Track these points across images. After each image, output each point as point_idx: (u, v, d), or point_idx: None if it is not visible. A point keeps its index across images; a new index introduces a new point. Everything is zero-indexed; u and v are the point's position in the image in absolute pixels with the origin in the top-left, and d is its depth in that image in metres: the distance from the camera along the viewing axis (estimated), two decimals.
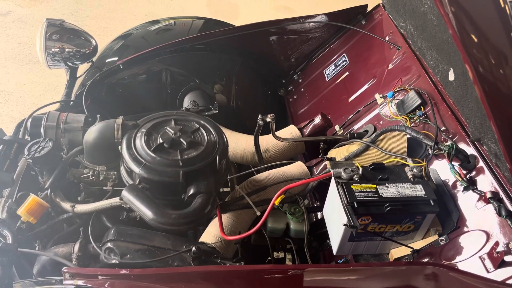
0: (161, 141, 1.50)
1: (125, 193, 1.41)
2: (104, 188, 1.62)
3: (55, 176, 1.57)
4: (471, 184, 1.44)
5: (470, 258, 1.36)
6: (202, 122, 1.62)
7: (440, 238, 1.45)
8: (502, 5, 0.94)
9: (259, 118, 1.72)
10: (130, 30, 2.46)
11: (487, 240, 1.34)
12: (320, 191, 1.80)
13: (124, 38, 2.42)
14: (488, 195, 1.37)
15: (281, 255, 1.69)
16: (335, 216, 1.47)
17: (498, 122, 1.07)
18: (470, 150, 1.50)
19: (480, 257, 1.33)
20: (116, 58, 2.23)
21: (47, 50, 1.98)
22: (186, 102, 2.11)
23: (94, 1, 4.94)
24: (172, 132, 1.53)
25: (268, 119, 1.72)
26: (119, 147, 1.55)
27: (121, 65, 2.07)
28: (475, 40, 0.97)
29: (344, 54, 2.31)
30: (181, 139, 1.52)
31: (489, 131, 1.36)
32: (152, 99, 2.22)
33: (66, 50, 2.03)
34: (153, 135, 1.54)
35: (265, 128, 1.79)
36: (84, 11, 4.77)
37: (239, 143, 1.96)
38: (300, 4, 5.53)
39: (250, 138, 1.90)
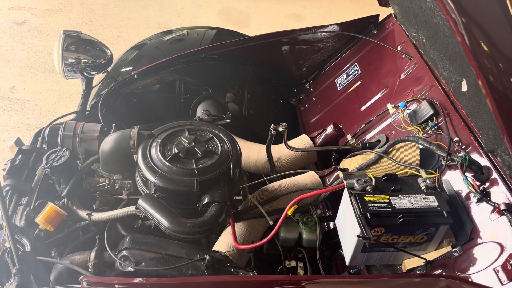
0: (176, 151, 1.53)
1: (141, 202, 1.43)
2: (120, 196, 1.65)
3: (72, 185, 1.61)
4: (484, 196, 1.44)
5: (483, 270, 1.36)
6: (215, 131, 1.65)
7: (453, 250, 1.44)
8: None
9: (271, 127, 1.74)
10: (144, 40, 2.51)
11: (501, 252, 1.34)
12: (333, 200, 1.80)
13: (138, 48, 2.46)
14: (502, 207, 1.36)
15: (293, 263, 1.69)
16: (348, 227, 1.48)
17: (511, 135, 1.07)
18: (483, 161, 1.50)
19: (494, 269, 1.33)
20: (130, 68, 2.27)
21: (64, 61, 2.03)
22: (199, 112, 2.14)
23: (108, 10, 5.03)
24: (187, 142, 1.56)
25: (281, 129, 1.74)
26: (135, 156, 1.58)
27: (135, 75, 2.11)
28: (486, 50, 0.98)
29: (356, 63, 2.32)
30: (196, 149, 1.54)
31: (502, 143, 1.36)
32: (166, 109, 2.26)
33: (82, 60, 2.08)
34: (168, 145, 1.57)
35: (277, 137, 1.80)
36: (97, 20, 4.85)
37: (252, 152, 1.97)
38: (311, 12, 5.57)
39: (263, 147, 1.92)
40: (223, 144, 1.61)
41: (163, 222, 1.39)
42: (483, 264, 1.36)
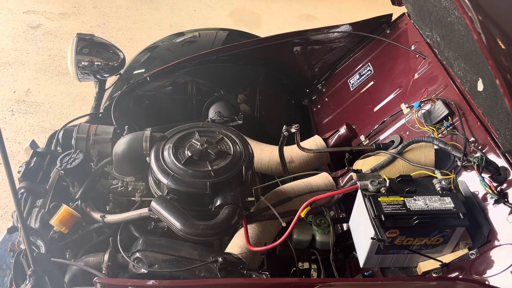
0: (189, 154, 1.53)
1: (154, 204, 1.44)
2: (133, 198, 1.66)
3: (85, 187, 1.62)
4: (502, 197, 1.41)
5: (501, 273, 1.33)
6: (226, 132, 1.65)
7: (470, 252, 1.42)
8: None
9: (284, 129, 1.73)
10: (156, 43, 2.52)
11: None
12: (346, 202, 1.79)
13: (150, 50, 2.48)
14: None
15: (306, 266, 1.68)
16: (361, 229, 1.46)
17: None
18: (500, 162, 1.47)
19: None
20: (143, 70, 2.28)
21: (78, 63, 2.05)
22: (211, 113, 2.14)
23: (120, 13, 5.08)
24: (199, 144, 1.56)
25: (293, 130, 1.73)
26: (147, 158, 1.59)
27: (148, 78, 2.12)
28: (504, 48, 0.96)
29: (369, 63, 2.30)
30: (209, 150, 1.54)
31: None
32: (178, 110, 2.26)
33: (96, 63, 2.09)
34: (180, 148, 1.57)
35: (290, 138, 1.80)
36: (110, 23, 4.90)
37: (264, 154, 1.97)
38: (323, 12, 5.55)
39: (275, 148, 1.91)
40: (235, 145, 1.61)
41: (176, 224, 1.39)
42: (501, 266, 1.33)
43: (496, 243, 1.39)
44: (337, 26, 2.30)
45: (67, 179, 1.65)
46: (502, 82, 0.93)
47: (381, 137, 1.97)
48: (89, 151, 1.75)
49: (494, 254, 1.38)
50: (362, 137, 2.05)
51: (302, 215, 1.43)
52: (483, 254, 1.40)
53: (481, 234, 1.43)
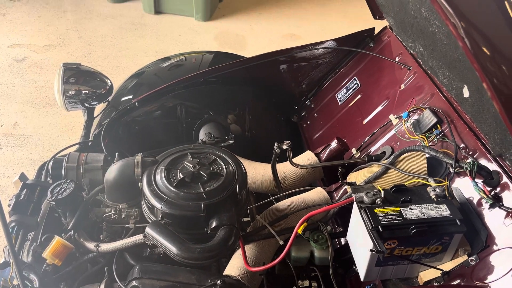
0: (181, 176, 1.52)
1: (148, 230, 1.41)
2: (127, 226, 1.63)
3: (77, 217, 1.59)
4: (497, 201, 1.41)
5: (503, 277, 1.32)
6: (218, 153, 1.64)
7: (470, 258, 1.41)
8: None
9: (275, 146, 1.73)
10: (142, 68, 2.53)
11: None
12: (342, 216, 1.78)
13: (137, 76, 2.48)
14: None
15: (306, 283, 1.66)
16: (360, 242, 1.45)
17: None
18: (492, 166, 1.48)
19: None
20: (131, 96, 2.28)
21: (65, 93, 2.04)
22: (202, 135, 2.14)
23: (105, 42, 5.10)
24: (191, 165, 1.55)
25: (285, 147, 1.73)
26: (140, 184, 1.57)
27: (136, 103, 2.12)
28: (488, 53, 0.97)
29: (355, 77, 2.32)
30: (201, 172, 1.53)
31: (510, 146, 1.35)
32: (168, 134, 2.25)
33: (83, 92, 2.09)
34: (173, 170, 1.56)
35: (282, 155, 1.79)
36: (96, 52, 4.91)
37: (257, 172, 1.96)
38: (306, 31, 5.63)
39: (268, 166, 1.90)
40: (227, 166, 1.60)
41: (172, 249, 1.37)
42: (502, 271, 1.33)
43: (495, 247, 1.38)
44: (322, 43, 2.34)
45: (59, 209, 1.62)
46: (489, 85, 0.95)
47: (373, 149, 1.97)
48: (80, 180, 1.73)
49: (493, 259, 1.37)
50: (353, 150, 2.06)
51: (299, 231, 1.42)
52: (482, 259, 1.39)
53: (479, 240, 1.43)
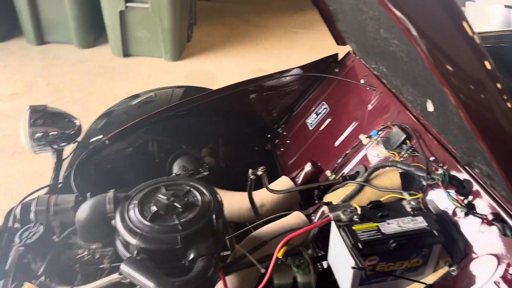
0: (155, 209, 1.48)
1: (123, 267, 1.36)
2: (101, 266, 1.57)
3: (48, 261, 1.52)
4: (470, 209, 1.43)
5: (484, 285, 1.32)
6: (193, 183, 1.62)
7: (451, 269, 1.41)
8: (470, 34, 0.99)
9: (250, 172, 1.73)
10: (111, 108, 2.51)
11: (499, 263, 1.31)
12: (322, 239, 1.76)
13: (106, 116, 2.46)
14: (490, 217, 1.36)
15: None
16: (341, 262, 1.43)
17: (488, 143, 1.08)
18: (462, 175, 1.51)
19: (495, 282, 1.30)
20: (101, 136, 2.24)
21: (32, 136, 1.99)
22: (176, 169, 2.11)
23: (75, 87, 5.07)
24: (165, 198, 1.52)
25: (259, 172, 1.73)
26: (113, 221, 1.52)
27: (106, 141, 2.08)
28: (451, 69, 1.02)
29: (324, 102, 2.37)
30: (175, 204, 1.50)
31: (477, 153, 1.38)
32: (142, 171, 2.21)
33: (51, 133, 2.04)
34: (146, 204, 1.52)
35: (259, 183, 1.78)
36: (65, 97, 4.87)
37: (234, 202, 1.94)
38: (274, 65, 5.71)
39: (244, 195, 1.88)
40: (203, 196, 1.58)
41: (149, 285, 1.32)
42: (483, 278, 1.33)
43: (474, 255, 1.39)
44: (288, 70, 2.39)
45: (28, 255, 1.55)
46: (452, 93, 0.98)
47: (346, 169, 1.99)
48: (50, 224, 1.66)
49: (474, 267, 1.38)
50: (328, 173, 2.07)
51: (279, 255, 1.39)
52: (463, 269, 1.40)
53: (458, 249, 1.43)
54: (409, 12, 0.98)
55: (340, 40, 2.38)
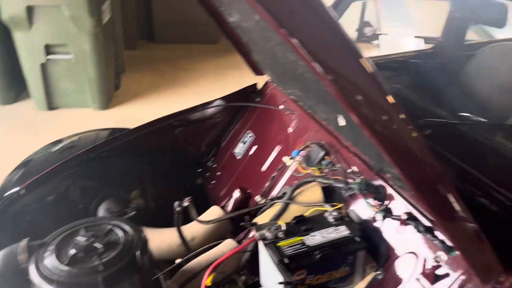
0: (74, 251, 1.40)
1: None
2: None
3: None
4: (387, 212, 1.49)
5: (408, 283, 1.37)
6: (114, 222, 1.56)
7: (377, 273, 1.44)
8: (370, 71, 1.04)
9: (175, 204, 1.70)
10: (29, 156, 2.38)
11: (417, 260, 1.37)
12: (256, 264, 1.74)
13: (24, 166, 2.32)
14: (404, 217, 1.42)
15: None
16: (271, 280, 1.42)
17: (390, 153, 1.13)
18: (377, 182, 1.58)
19: (416, 279, 1.34)
20: (17, 189, 2.11)
21: None
22: (102, 212, 2.03)
23: None
24: (84, 239, 1.44)
25: (186, 203, 1.71)
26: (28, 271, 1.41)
27: (23, 190, 1.96)
28: (358, 99, 1.06)
29: (249, 130, 2.41)
30: (96, 244, 1.43)
31: (385, 159, 1.46)
32: (66, 218, 2.08)
33: None
34: (64, 249, 1.44)
35: (189, 218, 1.75)
36: None
37: (163, 238, 1.88)
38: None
39: (174, 230, 1.84)
40: (125, 233, 1.52)
41: None
42: (406, 277, 1.37)
43: (395, 256, 1.44)
44: (210, 102, 2.42)
45: None
46: (354, 114, 1.04)
47: (275, 192, 2.01)
48: None
49: (397, 267, 1.43)
50: (258, 198, 2.08)
51: (208, 283, 1.36)
52: (388, 271, 1.44)
53: (382, 253, 1.48)
54: (295, 29, 1.01)
55: (257, 71, 2.47)
